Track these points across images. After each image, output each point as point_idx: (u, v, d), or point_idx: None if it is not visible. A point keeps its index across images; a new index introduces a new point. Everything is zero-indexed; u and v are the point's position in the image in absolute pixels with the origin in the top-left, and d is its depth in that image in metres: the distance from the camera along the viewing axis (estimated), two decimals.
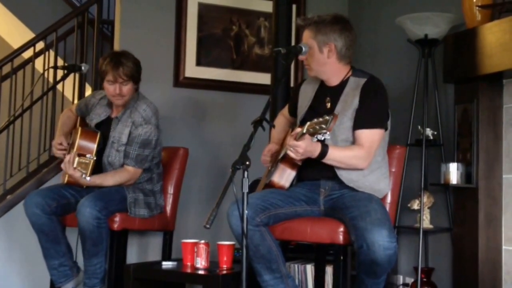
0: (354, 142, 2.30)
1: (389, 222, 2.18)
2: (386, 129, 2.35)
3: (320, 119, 2.12)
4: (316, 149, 2.21)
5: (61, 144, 2.84)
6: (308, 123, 2.19)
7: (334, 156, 2.25)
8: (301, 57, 2.35)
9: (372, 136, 2.28)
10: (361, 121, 2.29)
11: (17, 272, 3.25)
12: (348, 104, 2.32)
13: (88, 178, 2.57)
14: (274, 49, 2.89)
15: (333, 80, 2.39)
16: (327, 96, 2.39)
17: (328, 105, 2.36)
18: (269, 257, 2.25)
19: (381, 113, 2.32)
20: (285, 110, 2.64)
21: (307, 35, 2.35)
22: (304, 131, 2.15)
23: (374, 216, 2.13)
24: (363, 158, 2.27)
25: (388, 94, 2.37)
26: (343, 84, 2.38)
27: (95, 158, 2.62)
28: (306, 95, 2.46)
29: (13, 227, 3.23)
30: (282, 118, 2.64)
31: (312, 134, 2.15)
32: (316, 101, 2.42)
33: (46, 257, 2.77)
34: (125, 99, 2.77)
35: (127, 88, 2.74)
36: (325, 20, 2.32)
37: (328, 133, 2.11)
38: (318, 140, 2.18)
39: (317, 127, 2.13)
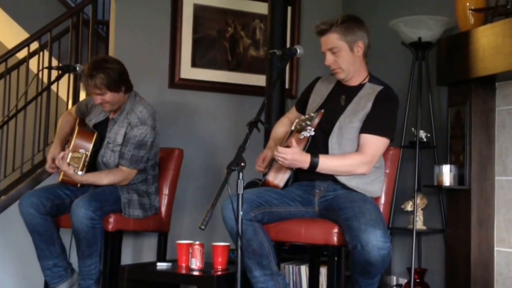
0: (359, 145, 2.32)
1: (383, 223, 2.20)
2: (392, 140, 2.38)
3: (307, 116, 2.15)
4: (306, 161, 2.24)
5: (54, 162, 2.82)
6: (297, 120, 2.19)
7: (327, 166, 2.27)
8: (329, 62, 2.36)
9: (377, 143, 2.31)
10: (370, 126, 2.31)
11: (11, 273, 3.23)
12: (361, 107, 2.35)
13: (80, 173, 2.56)
14: (269, 51, 2.91)
15: (355, 80, 2.41)
16: (342, 94, 2.42)
17: (343, 102, 2.39)
18: (260, 253, 2.25)
19: (391, 123, 2.36)
20: (291, 113, 2.62)
21: (333, 37, 2.35)
22: (293, 128, 2.17)
23: (368, 216, 2.15)
24: (362, 164, 2.29)
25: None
26: (360, 86, 2.41)
27: (87, 153, 2.61)
28: (320, 92, 2.48)
29: (7, 228, 3.22)
30: (286, 120, 2.61)
31: (299, 131, 2.16)
32: (330, 98, 2.44)
33: (40, 258, 2.77)
34: (110, 105, 2.75)
35: (106, 97, 2.71)
36: (347, 20, 2.37)
37: (312, 129, 2.12)
38: (305, 137, 2.20)
39: (303, 123, 2.14)
